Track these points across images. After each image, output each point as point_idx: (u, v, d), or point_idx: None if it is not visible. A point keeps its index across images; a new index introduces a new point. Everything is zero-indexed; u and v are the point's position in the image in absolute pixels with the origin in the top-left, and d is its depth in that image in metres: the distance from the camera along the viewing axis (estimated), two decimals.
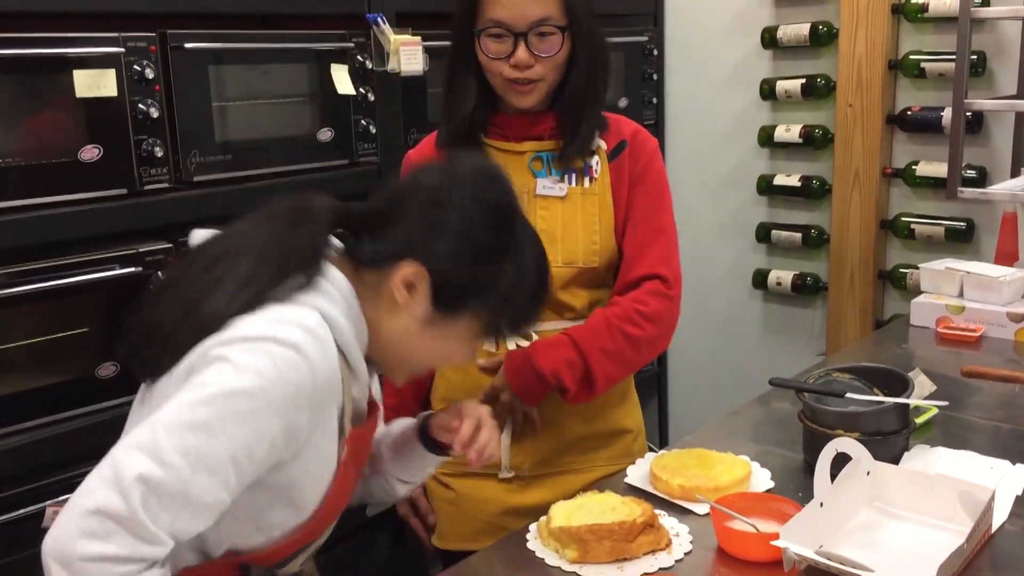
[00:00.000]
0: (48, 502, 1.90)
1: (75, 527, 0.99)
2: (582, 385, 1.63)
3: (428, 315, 1.18)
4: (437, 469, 1.74)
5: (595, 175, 1.69)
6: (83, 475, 1.95)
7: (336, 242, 1.23)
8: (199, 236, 1.24)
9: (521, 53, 1.57)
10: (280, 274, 1.12)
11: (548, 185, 1.68)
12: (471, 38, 1.62)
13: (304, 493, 1.17)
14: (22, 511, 1.89)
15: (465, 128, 1.67)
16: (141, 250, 2.03)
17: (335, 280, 1.16)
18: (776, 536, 1.30)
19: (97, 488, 1.00)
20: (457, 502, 1.77)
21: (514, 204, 1.23)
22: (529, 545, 1.44)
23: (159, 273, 1.97)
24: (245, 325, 1.08)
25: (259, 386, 1.04)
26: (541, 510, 1.50)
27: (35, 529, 1.86)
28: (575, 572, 1.36)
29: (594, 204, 1.69)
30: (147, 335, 1.14)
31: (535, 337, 1.68)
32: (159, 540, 1.01)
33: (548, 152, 1.69)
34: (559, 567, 1.38)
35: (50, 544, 1.00)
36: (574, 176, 1.69)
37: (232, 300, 1.09)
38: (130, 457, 1.01)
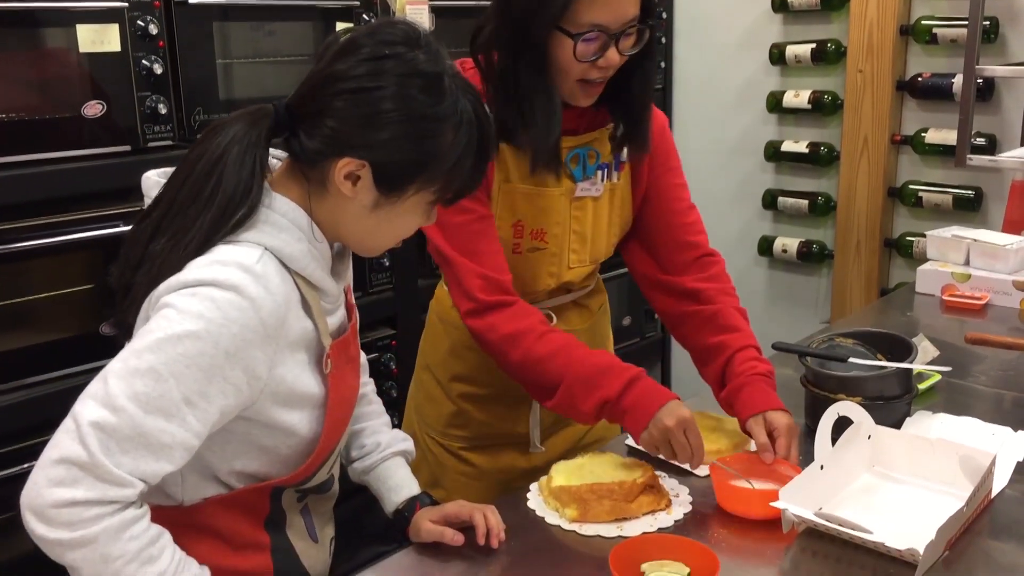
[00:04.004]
0: None
1: (43, 477, 1.03)
2: None
3: (376, 199, 1.18)
4: (453, 442, 1.74)
5: (622, 167, 1.65)
6: None
7: (279, 153, 1.23)
8: (151, 180, 1.24)
9: (612, 54, 1.46)
10: (225, 216, 1.13)
11: (586, 187, 1.61)
12: (546, 40, 1.45)
13: (295, 422, 1.20)
14: (26, 465, 1.90)
15: (559, 143, 1.52)
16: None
17: (278, 206, 1.16)
18: (774, 494, 1.31)
19: (60, 439, 1.04)
20: (477, 476, 1.75)
21: (443, 65, 1.17)
22: (529, 503, 1.45)
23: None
24: (187, 271, 1.10)
25: (204, 329, 1.06)
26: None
27: None
28: (574, 531, 1.37)
29: (619, 199, 1.67)
30: (114, 296, 1.18)
31: (554, 319, 1.67)
32: (125, 482, 1.04)
33: (583, 147, 1.60)
34: (558, 526, 1.39)
35: (24, 496, 1.04)
36: (605, 172, 1.63)
37: (180, 249, 1.12)
38: (85, 406, 1.05)
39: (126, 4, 1.96)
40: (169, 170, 1.22)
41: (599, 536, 1.36)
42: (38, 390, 1.94)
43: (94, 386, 1.06)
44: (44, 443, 1.91)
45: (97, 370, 1.97)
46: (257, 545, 1.25)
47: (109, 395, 1.04)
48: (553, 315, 1.67)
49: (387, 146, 1.14)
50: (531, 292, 1.63)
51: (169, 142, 2.07)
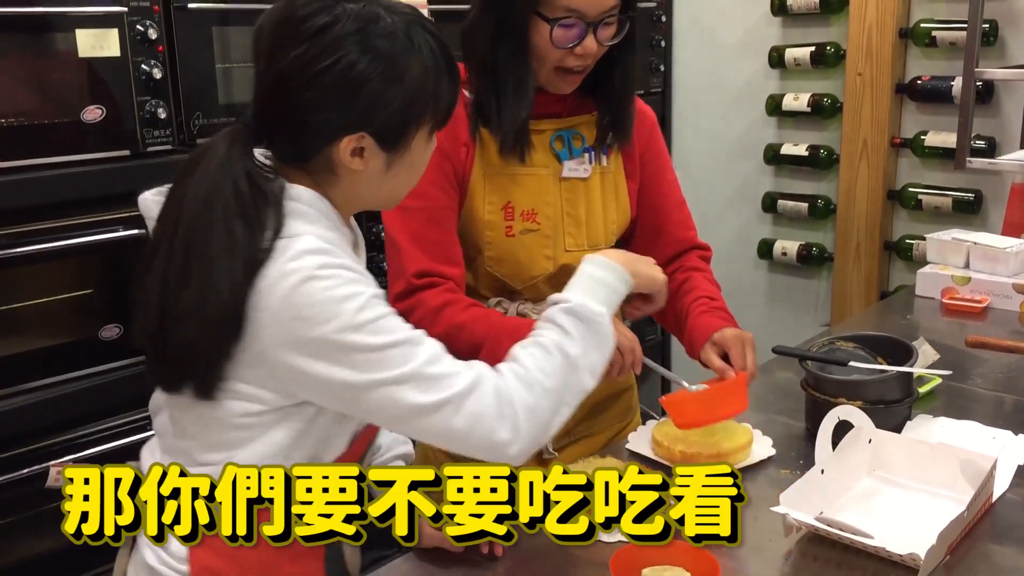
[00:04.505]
0: (52, 462, 1.91)
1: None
2: None
3: (385, 160, 1.17)
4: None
5: (610, 150, 1.67)
6: (86, 436, 1.99)
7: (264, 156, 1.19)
8: (149, 201, 1.19)
9: (590, 42, 1.49)
10: (253, 246, 1.09)
11: (574, 167, 1.63)
12: (525, 24, 1.49)
13: None
14: (25, 471, 1.90)
15: (527, 124, 1.55)
16: None
17: (301, 195, 1.14)
18: (720, 389, 1.44)
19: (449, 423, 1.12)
20: None
21: (376, 3, 1.14)
22: None
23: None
24: (274, 286, 1.07)
25: (362, 286, 1.09)
26: None
27: (38, 489, 1.88)
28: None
29: (611, 183, 1.68)
30: (165, 357, 1.12)
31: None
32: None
33: (568, 130, 1.63)
34: None
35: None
36: (593, 154, 1.65)
37: (220, 291, 1.07)
38: (414, 394, 1.09)
39: (125, 9, 1.95)
40: (162, 189, 1.19)
41: (599, 541, 1.35)
42: (38, 395, 1.93)
43: (389, 399, 1.09)
44: (44, 448, 1.93)
45: (98, 375, 2.00)
46: (313, 551, 1.22)
47: (392, 378, 1.08)
48: None
49: (375, 107, 1.12)
50: (528, 278, 1.64)
51: (168, 147, 2.07)
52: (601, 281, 1.26)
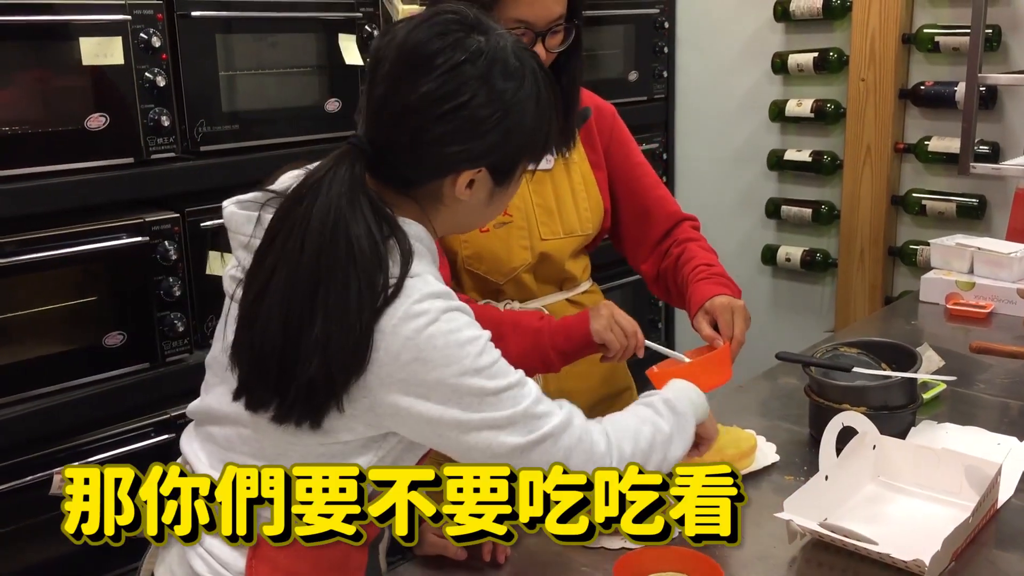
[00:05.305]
0: (55, 469, 1.92)
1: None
2: None
3: (491, 191, 1.19)
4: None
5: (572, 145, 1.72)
6: (90, 443, 1.99)
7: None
8: (240, 217, 1.16)
9: (539, 50, 1.52)
10: (381, 266, 1.08)
11: None
12: None
13: None
14: (29, 478, 1.90)
15: None
16: (148, 219, 2.03)
17: (415, 233, 1.15)
18: (705, 360, 1.47)
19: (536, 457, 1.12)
20: None
21: (499, 38, 1.14)
22: None
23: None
24: (399, 327, 1.06)
25: (478, 331, 1.11)
26: None
27: (42, 497, 1.88)
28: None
29: (577, 173, 1.73)
30: (280, 386, 1.08)
31: (545, 312, 1.68)
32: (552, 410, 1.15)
33: None
34: None
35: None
36: (553, 148, 1.68)
37: (355, 325, 1.06)
38: (506, 437, 1.10)
39: (129, 17, 1.96)
40: (245, 199, 1.17)
41: (603, 548, 1.35)
42: (41, 402, 1.93)
43: (492, 441, 1.10)
44: (48, 456, 1.93)
45: (101, 382, 2.00)
46: (357, 565, 1.22)
47: (502, 420, 1.09)
48: (546, 312, 1.68)
49: (496, 146, 1.14)
50: (508, 271, 1.66)
51: (172, 154, 2.07)
52: (691, 397, 1.32)
